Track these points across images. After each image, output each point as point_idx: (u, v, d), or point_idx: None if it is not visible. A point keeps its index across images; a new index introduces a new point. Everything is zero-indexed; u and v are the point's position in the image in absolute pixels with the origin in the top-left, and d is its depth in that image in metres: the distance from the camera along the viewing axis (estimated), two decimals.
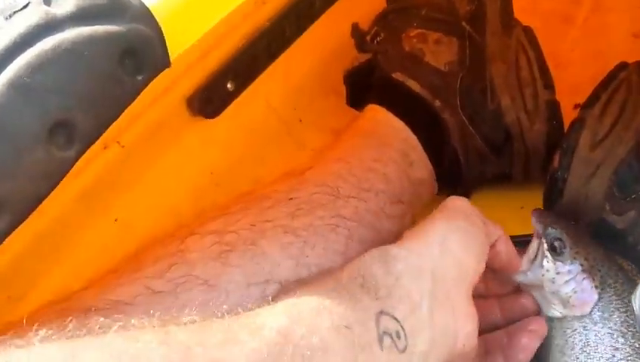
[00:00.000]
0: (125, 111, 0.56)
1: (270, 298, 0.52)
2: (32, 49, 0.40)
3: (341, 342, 0.44)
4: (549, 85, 0.71)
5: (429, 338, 0.50)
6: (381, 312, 0.47)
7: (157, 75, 0.47)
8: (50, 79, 0.41)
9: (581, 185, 0.64)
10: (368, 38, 0.74)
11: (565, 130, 0.70)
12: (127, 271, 0.55)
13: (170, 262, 0.55)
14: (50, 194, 0.54)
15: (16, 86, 0.40)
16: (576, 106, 0.71)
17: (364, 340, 0.45)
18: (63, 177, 0.44)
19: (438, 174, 0.71)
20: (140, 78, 0.45)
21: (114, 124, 0.56)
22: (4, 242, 0.52)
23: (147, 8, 0.45)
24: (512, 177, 0.74)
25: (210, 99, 0.65)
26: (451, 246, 0.54)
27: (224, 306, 0.47)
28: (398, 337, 0.47)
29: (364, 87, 0.74)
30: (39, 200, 0.44)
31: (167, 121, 0.63)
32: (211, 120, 0.67)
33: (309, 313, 0.45)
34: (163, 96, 0.61)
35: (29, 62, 0.40)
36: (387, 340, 0.46)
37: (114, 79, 0.43)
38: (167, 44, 0.47)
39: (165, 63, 0.47)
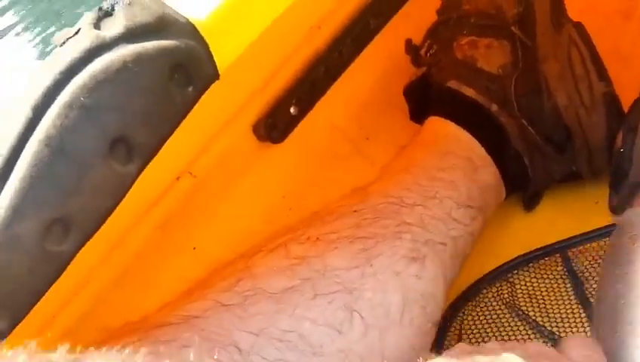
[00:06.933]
0: (194, 141, 0.60)
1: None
2: (85, 70, 0.43)
3: None
4: (603, 77, 0.71)
5: None
6: None
7: (207, 87, 0.49)
8: (105, 97, 0.43)
9: None
10: (422, 52, 0.75)
11: None
12: (198, 289, 0.57)
13: (238, 277, 0.57)
14: (131, 228, 0.58)
15: (75, 106, 0.42)
16: None
17: None
18: (126, 192, 0.46)
19: (505, 178, 0.71)
20: (190, 90, 0.47)
21: (184, 155, 0.60)
22: (91, 276, 0.56)
23: (192, 24, 0.48)
24: (579, 174, 0.73)
25: (275, 125, 0.68)
26: None
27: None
28: None
29: (423, 100, 0.75)
30: (105, 215, 0.46)
31: (235, 149, 0.66)
32: (279, 145, 0.70)
33: None
34: (229, 125, 0.63)
35: (84, 83, 0.43)
36: None
37: (165, 93, 0.46)
38: (215, 56, 0.50)
39: (213, 75, 0.50)
